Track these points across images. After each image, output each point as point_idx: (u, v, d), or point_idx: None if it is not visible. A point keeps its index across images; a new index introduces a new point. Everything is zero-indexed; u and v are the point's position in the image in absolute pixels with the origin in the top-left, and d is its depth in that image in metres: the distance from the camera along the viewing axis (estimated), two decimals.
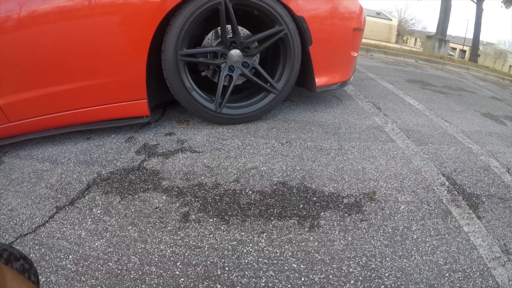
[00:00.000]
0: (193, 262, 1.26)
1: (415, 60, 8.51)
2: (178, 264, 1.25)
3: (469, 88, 5.06)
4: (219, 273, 1.22)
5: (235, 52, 2.18)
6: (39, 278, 0.72)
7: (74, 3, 1.82)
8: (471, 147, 2.45)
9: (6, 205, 1.62)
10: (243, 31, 2.31)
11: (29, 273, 0.62)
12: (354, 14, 2.47)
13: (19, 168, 1.91)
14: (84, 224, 1.45)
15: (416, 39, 51.97)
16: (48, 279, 1.20)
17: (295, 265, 1.27)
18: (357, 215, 1.55)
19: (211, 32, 2.34)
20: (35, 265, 0.69)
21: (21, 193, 1.70)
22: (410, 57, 8.73)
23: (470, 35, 23.38)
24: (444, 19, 14.00)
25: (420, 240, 1.45)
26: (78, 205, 1.57)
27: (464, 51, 37.83)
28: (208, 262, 1.26)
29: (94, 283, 1.18)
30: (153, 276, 1.20)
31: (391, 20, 45.59)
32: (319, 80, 2.43)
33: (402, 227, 1.51)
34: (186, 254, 1.29)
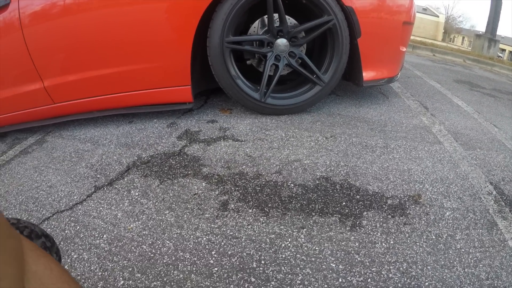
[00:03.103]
0: (229, 252, 1.22)
1: (463, 59, 8.15)
2: (213, 253, 1.22)
3: None
4: (255, 266, 1.18)
5: (281, 41, 2.12)
6: (61, 256, 0.71)
7: None
8: None
9: (46, 181, 1.65)
10: (290, 20, 2.25)
11: (51, 251, 0.63)
12: (404, 8, 2.35)
13: (61, 147, 1.95)
14: (121, 205, 1.45)
15: (463, 37, 49.66)
16: (81, 256, 1.21)
17: (334, 265, 1.21)
18: (401, 218, 1.47)
19: (257, 21, 2.30)
20: (57, 244, 0.69)
21: (62, 171, 1.73)
22: (458, 56, 8.36)
23: None
24: (494, 17, 13.33)
25: (463, 250, 1.34)
26: (116, 186, 1.58)
27: None
28: (244, 254, 1.22)
29: (126, 264, 1.17)
30: (186, 262, 1.18)
31: (438, 16, 43.78)
32: (366, 75, 2.34)
33: (446, 235, 1.41)
34: (222, 243, 1.26)
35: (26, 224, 0.60)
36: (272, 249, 1.24)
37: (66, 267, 1.16)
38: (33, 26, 1.85)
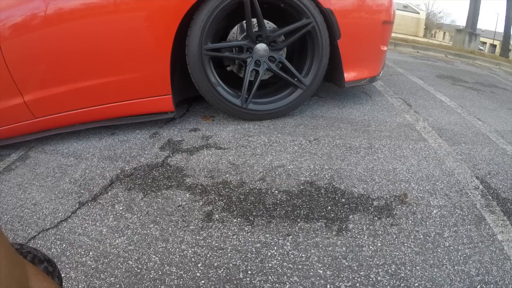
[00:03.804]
0: (215, 264, 1.21)
1: (445, 54, 8.25)
2: (199, 265, 1.21)
3: (502, 85, 4.84)
4: (241, 276, 1.17)
5: (261, 46, 2.12)
6: (62, 280, 0.72)
7: (98, 0, 1.81)
8: (505, 148, 2.31)
9: (30, 199, 1.63)
10: (269, 24, 2.24)
11: (53, 276, 0.63)
12: (383, 7, 2.37)
13: (44, 162, 1.93)
14: (106, 221, 1.43)
15: (444, 33, 50.20)
16: (68, 275, 1.19)
17: (321, 271, 1.21)
18: (388, 219, 1.47)
19: (236, 26, 2.29)
20: (58, 266, 0.69)
21: (45, 188, 1.70)
22: (439, 51, 8.46)
23: (500, 28, 22.54)
24: (474, 11, 13.51)
25: (452, 248, 1.35)
26: (100, 201, 1.56)
27: (495, 46, 36.43)
28: (231, 265, 1.21)
29: (113, 281, 1.16)
30: (173, 277, 1.17)
31: (418, 13, 44.27)
32: (348, 75, 2.35)
33: (434, 233, 1.42)
34: (208, 255, 1.25)
35: (29, 249, 0.61)
36: (258, 259, 1.24)
37: None
38: (11, 39, 1.82)
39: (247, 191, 1.60)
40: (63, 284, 0.76)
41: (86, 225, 1.42)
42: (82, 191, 1.64)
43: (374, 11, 2.33)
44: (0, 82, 1.88)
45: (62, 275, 1.18)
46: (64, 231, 1.39)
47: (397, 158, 1.94)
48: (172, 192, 1.59)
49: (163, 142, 2.03)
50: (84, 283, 1.15)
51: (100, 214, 1.48)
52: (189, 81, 2.10)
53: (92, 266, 1.22)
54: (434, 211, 1.54)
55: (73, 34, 1.85)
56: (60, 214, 1.50)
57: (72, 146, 2.07)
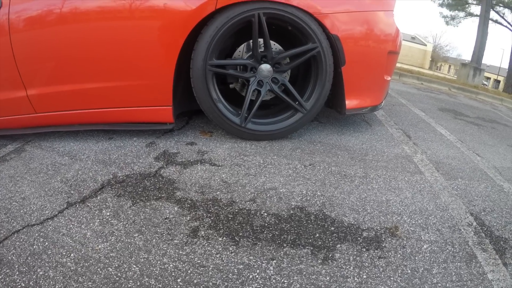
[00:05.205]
0: (195, 281, 1.19)
1: (449, 88, 8.30)
2: (178, 280, 1.19)
3: (503, 121, 4.87)
4: None
5: (265, 67, 2.14)
6: None
7: (111, 5, 1.84)
8: (502, 185, 2.31)
9: (20, 192, 1.63)
10: (275, 46, 2.27)
11: None
12: (390, 37, 2.38)
13: (39, 158, 1.93)
14: (91, 224, 1.43)
15: (450, 66, 50.38)
16: (46, 274, 1.18)
17: None
18: (376, 251, 1.46)
19: (242, 45, 2.31)
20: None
21: (36, 183, 1.71)
22: (443, 84, 8.51)
23: (505, 64, 22.68)
24: (480, 47, 13.66)
25: (440, 285, 1.33)
26: (89, 204, 1.56)
27: (499, 81, 36.60)
28: (210, 284, 1.19)
29: (90, 285, 1.14)
30: None
31: (425, 45, 44.56)
32: (350, 103, 2.35)
33: (422, 268, 1.40)
34: (189, 271, 1.23)
35: None
36: (239, 280, 1.22)
37: (31, 283, 1.14)
38: (22, 32, 1.86)
39: (236, 210, 1.58)
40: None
41: (71, 226, 1.41)
42: (72, 192, 1.64)
43: (381, 40, 2.34)
44: (6, 74, 1.91)
45: (41, 273, 1.18)
46: (49, 229, 1.39)
47: (392, 189, 1.93)
48: (161, 204, 1.58)
49: (158, 152, 2.03)
50: (61, 284, 1.14)
51: (86, 217, 1.47)
52: (191, 95, 2.11)
53: (72, 268, 1.21)
54: (425, 246, 1.53)
55: (83, 35, 1.89)
56: (47, 212, 1.50)
57: (69, 145, 2.08)
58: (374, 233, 1.56)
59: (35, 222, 1.43)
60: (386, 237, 1.54)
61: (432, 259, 1.46)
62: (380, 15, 2.31)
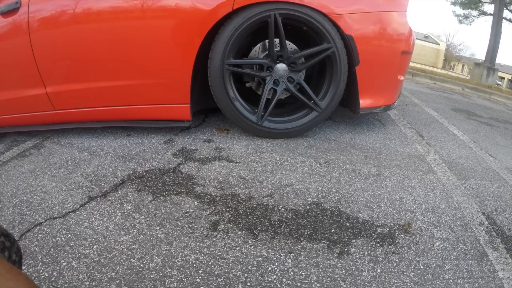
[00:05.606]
0: (216, 272, 1.23)
1: (462, 88, 8.20)
2: (200, 271, 1.23)
3: None
4: (240, 287, 1.19)
5: (281, 66, 2.17)
6: (22, 256, 0.69)
7: (129, 5, 1.88)
8: None
9: (41, 187, 1.68)
10: (290, 45, 2.30)
11: (10, 251, 0.61)
12: (403, 36, 2.39)
13: (58, 154, 1.98)
14: (113, 218, 1.47)
15: (463, 65, 49.26)
16: (70, 264, 1.22)
17: None
18: (389, 246, 1.48)
19: (258, 44, 2.34)
20: (18, 243, 0.67)
21: (57, 178, 1.75)
22: (456, 84, 8.39)
23: None
24: (493, 46, 13.46)
25: (451, 281, 1.35)
26: (110, 198, 1.60)
27: None
28: (231, 275, 1.23)
29: (113, 276, 1.18)
30: (173, 279, 1.19)
31: (439, 44, 43.67)
32: (363, 102, 2.37)
33: (434, 265, 1.42)
34: (210, 263, 1.27)
35: None
36: (259, 272, 1.26)
37: (54, 273, 1.18)
38: (41, 31, 1.91)
39: (254, 205, 1.62)
40: (23, 259, 0.75)
41: (93, 219, 1.46)
42: (93, 186, 1.69)
43: (394, 40, 2.35)
44: (26, 71, 1.96)
45: (64, 264, 1.22)
46: (71, 222, 1.43)
47: (405, 187, 1.95)
48: (181, 198, 1.62)
49: (177, 149, 2.08)
50: (85, 274, 1.18)
51: (108, 210, 1.52)
52: (208, 93, 2.15)
53: (95, 259, 1.25)
54: (437, 243, 1.55)
55: (102, 34, 1.93)
56: (68, 205, 1.54)
57: (87, 142, 2.13)
58: (388, 229, 1.59)
59: (57, 215, 1.48)
60: (400, 234, 1.57)
61: (444, 256, 1.48)
62: (393, 15, 2.32)
